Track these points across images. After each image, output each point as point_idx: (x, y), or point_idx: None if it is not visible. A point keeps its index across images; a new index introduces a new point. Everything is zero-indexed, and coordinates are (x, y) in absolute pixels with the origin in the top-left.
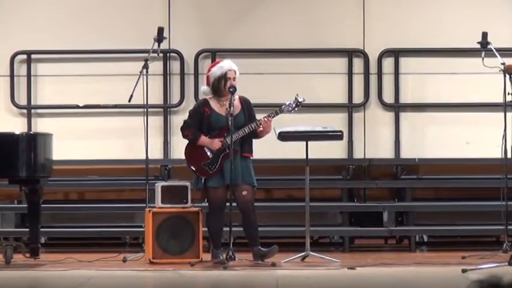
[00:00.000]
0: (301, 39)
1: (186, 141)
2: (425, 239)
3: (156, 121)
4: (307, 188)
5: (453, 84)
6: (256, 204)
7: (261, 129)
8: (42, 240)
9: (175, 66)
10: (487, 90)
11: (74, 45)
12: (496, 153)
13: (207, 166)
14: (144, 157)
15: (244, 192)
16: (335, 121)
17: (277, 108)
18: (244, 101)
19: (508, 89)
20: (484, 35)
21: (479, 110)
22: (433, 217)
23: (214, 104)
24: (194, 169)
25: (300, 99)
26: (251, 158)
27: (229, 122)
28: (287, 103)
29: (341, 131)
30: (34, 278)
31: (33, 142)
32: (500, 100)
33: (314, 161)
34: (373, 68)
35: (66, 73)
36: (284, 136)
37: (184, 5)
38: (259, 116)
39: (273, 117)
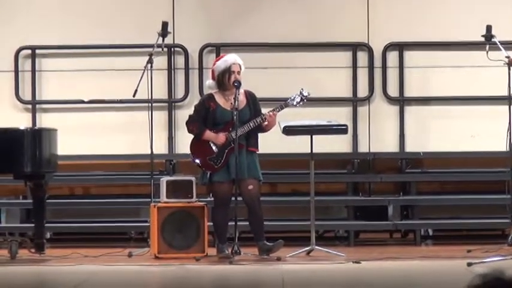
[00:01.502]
0: (305, 33)
1: (190, 136)
2: (430, 232)
3: (160, 116)
4: (312, 182)
5: (458, 77)
6: (261, 198)
7: (266, 123)
8: (48, 235)
9: (179, 60)
10: (491, 84)
11: (79, 40)
12: (501, 147)
13: (213, 161)
14: (149, 152)
15: (250, 187)
16: (339, 115)
17: (282, 103)
18: (249, 95)
19: None
20: (489, 28)
21: (484, 103)
22: (438, 211)
23: (219, 99)
24: (200, 164)
25: (305, 94)
26: (257, 152)
27: (234, 117)
28: (292, 97)
29: (346, 125)
30: (39, 273)
31: (38, 137)
32: (505, 93)
33: (319, 155)
34: (377, 62)
35: (70, 68)
36: (289, 130)
37: None
38: (264, 110)
39: (278, 111)
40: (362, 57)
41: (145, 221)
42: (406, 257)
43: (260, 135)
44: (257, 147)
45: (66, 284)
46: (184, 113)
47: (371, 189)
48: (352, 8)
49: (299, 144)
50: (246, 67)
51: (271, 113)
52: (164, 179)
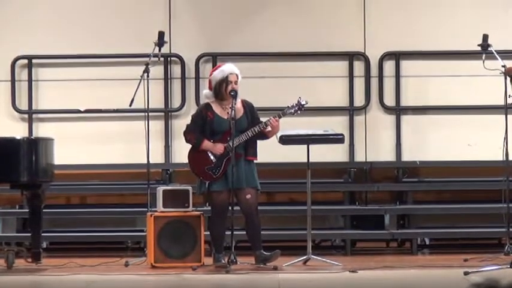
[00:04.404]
0: (302, 43)
1: (187, 145)
2: (427, 241)
3: (157, 125)
4: (309, 192)
5: (454, 86)
6: (258, 207)
7: (270, 129)
8: (44, 244)
9: (176, 70)
10: (487, 93)
11: (75, 49)
12: (497, 156)
13: (211, 170)
14: (145, 161)
15: (248, 196)
16: (336, 124)
17: (280, 111)
18: (246, 105)
19: (509, 91)
20: (485, 37)
21: (480, 113)
22: (435, 220)
23: (216, 108)
24: (198, 173)
25: (303, 102)
26: (255, 161)
27: (231, 126)
28: (290, 106)
29: (342, 134)
30: (36, 283)
31: (35, 147)
32: (501, 102)
33: (315, 164)
34: (374, 71)
35: (67, 78)
36: (285, 139)
37: (185, 9)
38: (262, 120)
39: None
40: (358, 66)
41: (142, 231)
42: (402, 266)
43: (257, 143)
44: (255, 156)
45: None
46: (180, 123)
47: (368, 198)
48: (348, 17)
49: (296, 154)
50: (242, 76)
51: (273, 119)
52: (161, 188)
